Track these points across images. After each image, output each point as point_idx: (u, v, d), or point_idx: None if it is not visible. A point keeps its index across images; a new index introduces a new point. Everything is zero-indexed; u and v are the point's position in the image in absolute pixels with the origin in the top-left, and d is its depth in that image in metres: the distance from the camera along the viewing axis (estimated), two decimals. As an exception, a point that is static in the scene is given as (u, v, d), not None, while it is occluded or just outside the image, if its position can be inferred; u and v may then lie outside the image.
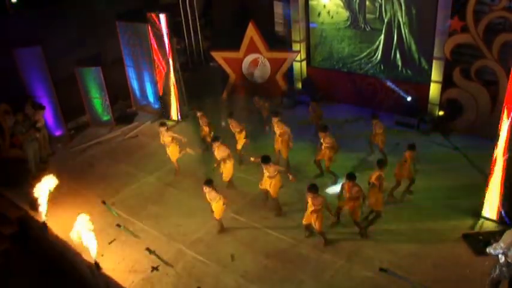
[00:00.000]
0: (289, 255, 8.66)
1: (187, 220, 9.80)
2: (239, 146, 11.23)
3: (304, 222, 8.72)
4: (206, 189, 8.76)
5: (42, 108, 12.14)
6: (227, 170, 10.18)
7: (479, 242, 8.28)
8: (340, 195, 8.79)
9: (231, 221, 9.66)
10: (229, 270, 8.43)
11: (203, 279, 8.26)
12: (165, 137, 10.95)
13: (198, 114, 11.80)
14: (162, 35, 13.18)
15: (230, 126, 11.23)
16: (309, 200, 8.30)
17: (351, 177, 8.37)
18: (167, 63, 13.49)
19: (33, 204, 10.40)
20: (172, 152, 11.06)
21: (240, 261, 8.65)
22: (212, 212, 9.14)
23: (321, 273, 8.21)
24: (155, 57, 13.68)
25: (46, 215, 9.79)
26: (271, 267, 8.43)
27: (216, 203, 8.97)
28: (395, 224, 9.19)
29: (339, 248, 8.73)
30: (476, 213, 9.11)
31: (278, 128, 10.69)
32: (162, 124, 11.09)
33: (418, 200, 9.76)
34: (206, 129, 11.74)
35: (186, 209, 10.16)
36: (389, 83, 12.91)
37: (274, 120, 10.73)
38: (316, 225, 8.50)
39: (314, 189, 8.21)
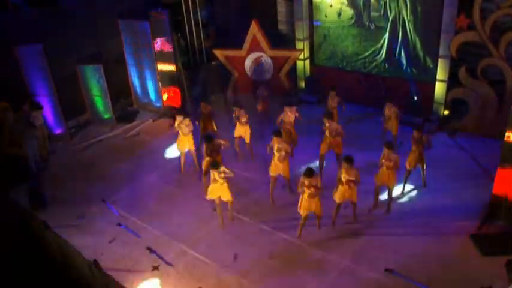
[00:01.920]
0: (293, 255, 8.51)
1: (189, 219, 9.66)
2: (248, 139, 11.15)
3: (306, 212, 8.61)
4: (218, 171, 8.75)
5: (40, 108, 12.02)
6: None
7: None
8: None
9: (234, 220, 9.52)
10: (231, 271, 8.29)
11: (204, 279, 8.10)
12: (185, 124, 10.71)
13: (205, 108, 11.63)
14: (163, 33, 13.08)
15: (237, 114, 10.98)
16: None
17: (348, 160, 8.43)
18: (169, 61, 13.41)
19: (33, 202, 10.32)
20: (183, 143, 10.86)
21: (242, 261, 8.50)
22: (215, 202, 9.09)
23: (325, 273, 8.06)
24: (157, 55, 13.58)
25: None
26: (274, 268, 8.28)
27: (223, 186, 8.93)
28: (401, 224, 9.06)
29: (343, 248, 8.58)
30: (483, 213, 8.95)
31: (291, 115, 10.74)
32: (186, 115, 10.96)
33: (424, 200, 9.62)
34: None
35: (187, 208, 10.02)
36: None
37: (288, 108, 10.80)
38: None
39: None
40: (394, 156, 8.80)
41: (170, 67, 13.55)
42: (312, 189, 8.25)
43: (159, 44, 13.36)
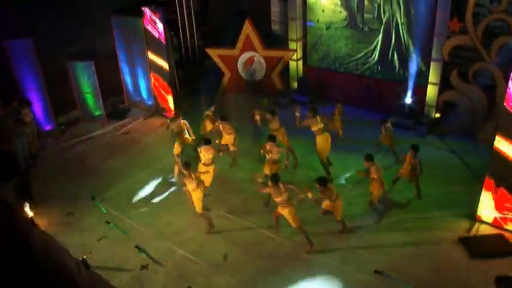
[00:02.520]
0: (282, 256, 8.50)
1: (179, 218, 9.61)
2: (229, 146, 10.93)
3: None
4: (185, 172, 8.63)
5: (29, 105, 11.89)
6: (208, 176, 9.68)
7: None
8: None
9: (223, 220, 9.48)
10: (221, 270, 8.25)
11: (193, 279, 8.06)
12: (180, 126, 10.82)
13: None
14: (156, 30, 12.98)
15: (222, 128, 10.82)
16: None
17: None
18: (162, 58, 13.30)
19: (22, 198, 10.19)
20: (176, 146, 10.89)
21: (232, 261, 8.47)
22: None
23: (314, 274, 8.04)
24: (149, 53, 13.47)
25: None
26: (264, 268, 8.25)
27: (194, 192, 8.76)
28: (391, 226, 9.07)
29: (333, 249, 8.58)
30: (472, 216, 9.00)
31: (274, 124, 10.65)
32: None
33: (413, 202, 9.64)
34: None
35: (177, 207, 9.95)
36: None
37: (270, 117, 10.70)
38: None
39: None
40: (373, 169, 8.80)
41: (161, 61, 13.38)
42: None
43: (158, 29, 12.98)
